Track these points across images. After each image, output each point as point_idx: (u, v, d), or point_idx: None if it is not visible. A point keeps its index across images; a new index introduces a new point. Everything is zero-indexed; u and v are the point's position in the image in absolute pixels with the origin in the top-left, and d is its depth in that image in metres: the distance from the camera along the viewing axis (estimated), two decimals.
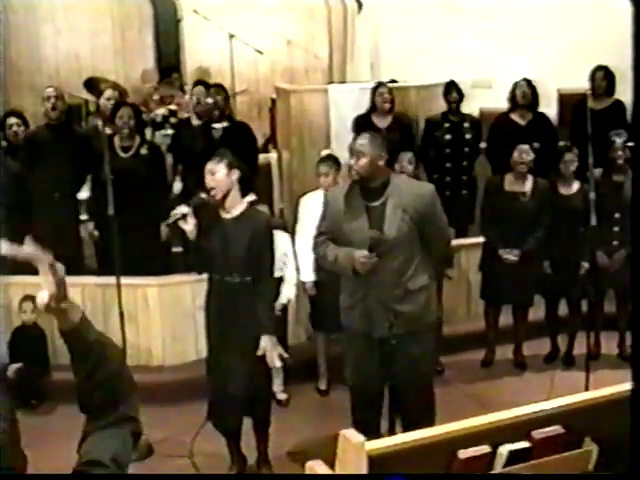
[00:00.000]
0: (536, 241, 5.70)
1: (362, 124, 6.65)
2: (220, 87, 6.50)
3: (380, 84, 6.81)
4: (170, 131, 7.02)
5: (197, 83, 7.19)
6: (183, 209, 4.26)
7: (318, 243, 4.30)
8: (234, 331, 4.28)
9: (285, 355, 4.42)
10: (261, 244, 4.33)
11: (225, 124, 6.29)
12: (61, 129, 6.25)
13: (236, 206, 4.33)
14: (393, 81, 7.94)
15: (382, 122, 6.64)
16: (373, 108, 6.68)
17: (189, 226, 4.25)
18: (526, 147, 5.72)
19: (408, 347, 4.13)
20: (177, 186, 6.61)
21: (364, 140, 4.15)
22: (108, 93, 6.85)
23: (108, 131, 6.14)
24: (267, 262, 4.38)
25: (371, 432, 2.22)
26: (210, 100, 6.46)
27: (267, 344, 4.25)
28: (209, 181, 4.27)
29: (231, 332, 4.29)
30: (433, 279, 4.32)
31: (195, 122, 6.71)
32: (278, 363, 4.36)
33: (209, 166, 4.28)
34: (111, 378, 1.83)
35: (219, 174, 4.26)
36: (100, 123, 6.46)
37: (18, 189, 6.01)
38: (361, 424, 4.00)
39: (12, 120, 6.30)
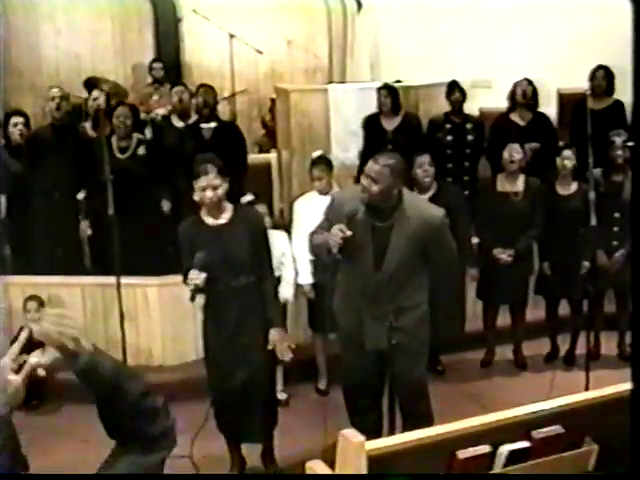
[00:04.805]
0: (529, 240, 5.70)
1: (370, 125, 6.64)
2: (209, 87, 6.49)
3: (382, 86, 6.73)
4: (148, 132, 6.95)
5: (176, 82, 7.17)
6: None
7: (315, 233, 4.20)
8: (242, 331, 4.26)
9: (293, 346, 4.44)
10: (261, 242, 4.31)
11: (214, 124, 6.28)
12: (65, 129, 6.25)
13: (227, 210, 4.27)
14: (398, 81, 7.92)
15: (390, 124, 6.61)
16: (381, 109, 6.64)
17: None
18: (516, 145, 5.69)
19: (401, 354, 4.11)
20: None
21: (381, 167, 3.89)
22: (95, 94, 6.82)
23: (94, 134, 6.14)
24: (269, 258, 4.38)
25: (367, 432, 2.22)
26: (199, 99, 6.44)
27: (276, 337, 4.28)
28: (212, 197, 4.10)
29: (239, 333, 4.26)
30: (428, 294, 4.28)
31: (176, 122, 6.68)
32: (288, 356, 4.35)
33: (206, 182, 4.08)
34: (132, 408, 1.83)
35: (221, 189, 4.13)
36: (88, 125, 6.45)
37: (19, 188, 6.03)
38: (357, 424, 4.00)
39: (17, 119, 6.28)
